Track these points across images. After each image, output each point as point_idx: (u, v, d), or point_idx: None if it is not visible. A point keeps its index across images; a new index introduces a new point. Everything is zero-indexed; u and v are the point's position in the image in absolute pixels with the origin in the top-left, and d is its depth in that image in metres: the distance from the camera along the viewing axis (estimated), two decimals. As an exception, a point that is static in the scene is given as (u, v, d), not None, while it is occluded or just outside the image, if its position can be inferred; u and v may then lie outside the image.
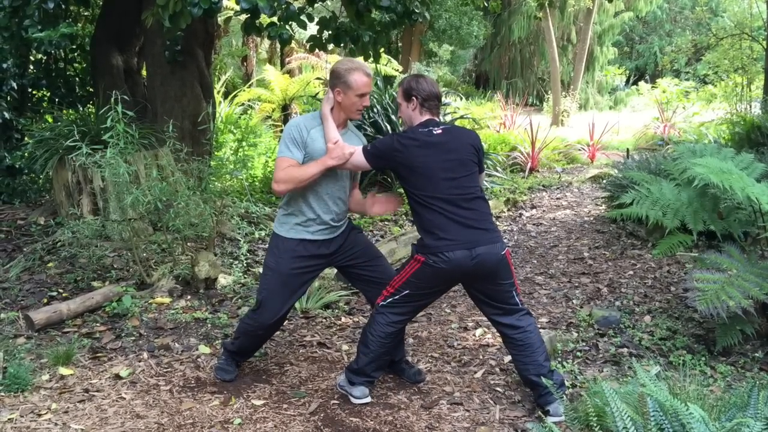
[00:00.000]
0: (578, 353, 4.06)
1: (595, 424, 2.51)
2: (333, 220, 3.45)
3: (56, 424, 3.16)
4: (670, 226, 4.16)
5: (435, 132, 3.26)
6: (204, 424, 3.18)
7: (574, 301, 4.98)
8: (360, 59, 5.08)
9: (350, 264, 3.58)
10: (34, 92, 7.55)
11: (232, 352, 3.69)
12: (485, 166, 3.61)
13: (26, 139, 6.72)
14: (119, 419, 3.22)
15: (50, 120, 7.16)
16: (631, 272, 5.62)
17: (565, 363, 3.87)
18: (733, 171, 3.78)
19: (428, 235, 3.21)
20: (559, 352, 4.05)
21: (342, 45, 5.95)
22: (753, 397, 2.38)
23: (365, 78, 3.32)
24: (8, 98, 6.97)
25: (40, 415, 3.23)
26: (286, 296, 3.46)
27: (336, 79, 3.34)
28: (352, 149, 3.28)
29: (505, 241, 6.63)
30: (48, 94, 7.56)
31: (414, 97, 3.30)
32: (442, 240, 3.16)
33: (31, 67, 7.52)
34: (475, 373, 3.81)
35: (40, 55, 7.44)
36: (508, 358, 3.90)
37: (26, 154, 6.64)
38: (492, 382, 3.70)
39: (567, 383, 3.58)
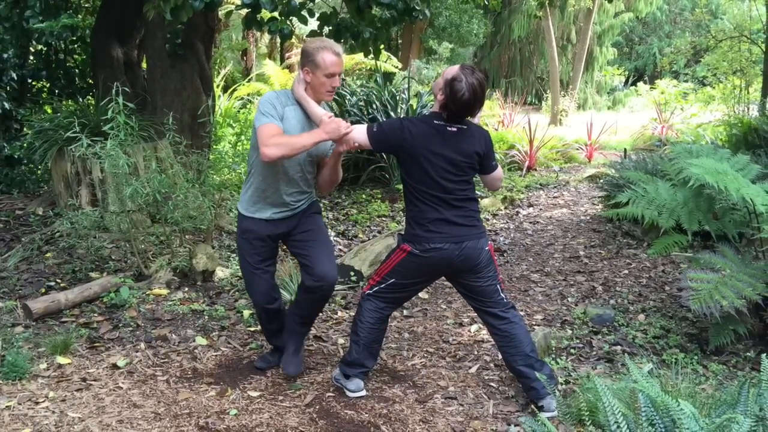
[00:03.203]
0: (572, 350, 4.09)
1: (587, 419, 2.55)
2: (293, 201, 3.41)
3: (53, 412, 3.18)
4: (665, 226, 4.20)
5: (449, 129, 3.20)
6: (200, 414, 3.21)
7: (569, 299, 5.01)
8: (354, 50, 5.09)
9: (294, 240, 3.50)
10: (33, 83, 7.57)
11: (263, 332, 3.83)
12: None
13: (25, 129, 6.74)
14: (116, 408, 3.25)
15: (49, 111, 7.18)
16: (626, 271, 5.66)
17: (559, 360, 3.90)
18: (728, 172, 3.80)
19: (419, 226, 3.24)
20: (554, 349, 4.08)
21: (342, 41, 5.96)
22: (743, 394, 2.41)
23: (334, 57, 3.18)
24: (8, 89, 6.99)
25: (37, 403, 3.26)
26: (257, 276, 3.48)
27: (305, 58, 3.23)
28: (349, 127, 3.19)
29: (502, 238, 6.70)
30: (48, 85, 7.58)
31: (444, 95, 3.16)
32: (432, 233, 3.21)
33: (31, 57, 7.54)
34: (470, 368, 3.84)
35: (40, 46, 7.45)
36: (502, 354, 3.94)
37: (25, 144, 6.66)
38: (486, 377, 3.73)
39: (560, 380, 3.62)
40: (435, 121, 3.21)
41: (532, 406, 3.31)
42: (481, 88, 3.14)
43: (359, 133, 3.22)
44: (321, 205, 3.58)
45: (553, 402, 3.22)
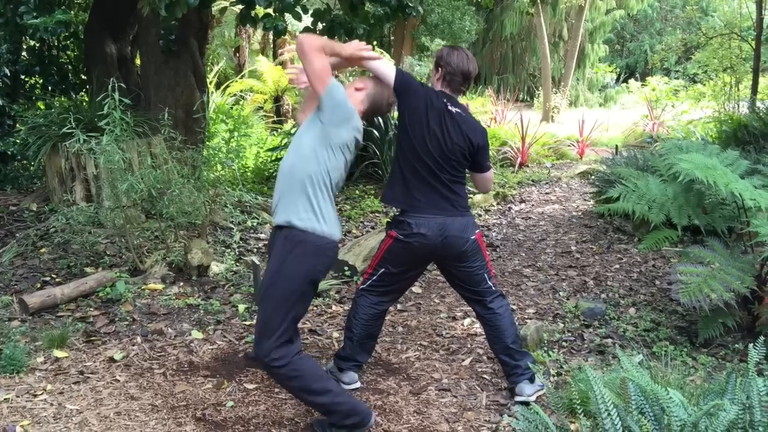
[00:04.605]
0: (564, 343, 4.15)
1: (578, 409, 2.60)
2: (275, 195, 3.01)
3: (52, 405, 3.21)
4: (655, 221, 4.25)
5: (450, 108, 3.25)
6: (197, 406, 3.24)
7: (561, 293, 5.07)
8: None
9: None
10: (26, 79, 7.56)
11: None
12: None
13: (18, 125, 6.75)
14: (114, 400, 3.28)
15: (42, 107, 7.19)
16: (617, 266, 5.72)
17: (551, 352, 3.96)
18: (717, 167, 3.86)
19: (405, 192, 3.26)
20: (546, 342, 4.13)
21: (336, 37, 6.00)
22: (730, 383, 2.46)
23: None
24: (1, 85, 6.99)
25: (35, 396, 3.29)
26: None
27: None
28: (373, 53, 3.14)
29: (494, 234, 6.75)
30: (41, 81, 7.57)
31: (440, 67, 3.30)
32: (416, 200, 3.23)
33: (24, 53, 7.53)
34: (463, 361, 3.89)
35: (33, 42, 7.45)
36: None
37: (18, 140, 6.66)
38: (479, 369, 3.78)
39: (553, 371, 3.68)
40: (443, 99, 3.27)
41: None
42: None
43: (388, 69, 3.19)
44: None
45: (526, 387, 3.32)
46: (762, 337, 2.66)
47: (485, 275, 3.40)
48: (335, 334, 4.21)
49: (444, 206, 3.26)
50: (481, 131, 3.35)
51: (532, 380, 3.38)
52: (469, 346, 4.10)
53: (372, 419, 2.98)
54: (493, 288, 3.45)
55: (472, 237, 3.31)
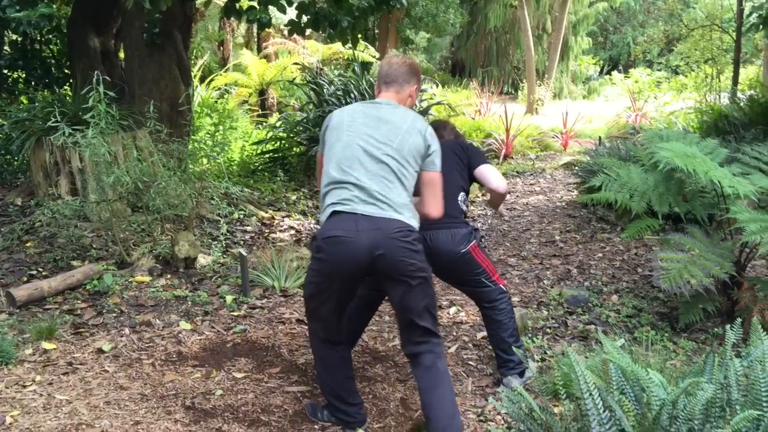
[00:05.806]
0: (548, 329, 4.21)
1: (561, 391, 2.66)
2: None
3: (41, 395, 3.23)
4: (637, 209, 4.30)
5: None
6: (186, 395, 3.27)
7: (545, 282, 5.13)
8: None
9: None
10: (9, 73, 7.51)
11: None
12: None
13: (1, 120, 6.71)
14: (103, 390, 3.30)
15: (25, 101, 7.15)
16: (600, 254, 5.80)
17: (535, 339, 4.02)
18: (697, 155, 3.92)
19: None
20: (530, 328, 4.20)
21: (321, 30, 6.02)
22: (708, 363, 2.53)
23: None
24: (-17, 79, 6.95)
25: (25, 387, 3.30)
26: None
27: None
28: None
29: (479, 224, 6.80)
30: (24, 75, 7.53)
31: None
32: None
33: (7, 47, 7.49)
34: (449, 348, 3.94)
35: (15, 36, 7.40)
36: (480, 335, 4.06)
37: (2, 135, 6.62)
38: (465, 356, 3.84)
39: (537, 357, 3.74)
40: None
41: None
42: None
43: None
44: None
45: (513, 381, 3.37)
46: (740, 320, 2.73)
47: (482, 279, 3.39)
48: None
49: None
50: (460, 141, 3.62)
51: (521, 375, 3.44)
52: (454, 334, 4.16)
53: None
54: (493, 287, 3.43)
55: (463, 250, 3.31)
